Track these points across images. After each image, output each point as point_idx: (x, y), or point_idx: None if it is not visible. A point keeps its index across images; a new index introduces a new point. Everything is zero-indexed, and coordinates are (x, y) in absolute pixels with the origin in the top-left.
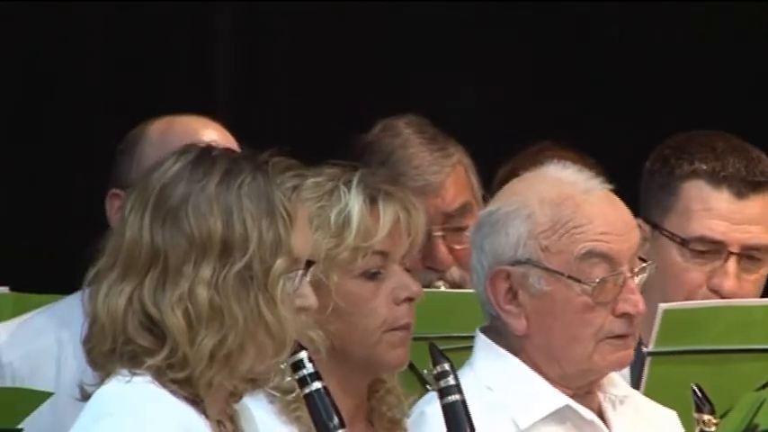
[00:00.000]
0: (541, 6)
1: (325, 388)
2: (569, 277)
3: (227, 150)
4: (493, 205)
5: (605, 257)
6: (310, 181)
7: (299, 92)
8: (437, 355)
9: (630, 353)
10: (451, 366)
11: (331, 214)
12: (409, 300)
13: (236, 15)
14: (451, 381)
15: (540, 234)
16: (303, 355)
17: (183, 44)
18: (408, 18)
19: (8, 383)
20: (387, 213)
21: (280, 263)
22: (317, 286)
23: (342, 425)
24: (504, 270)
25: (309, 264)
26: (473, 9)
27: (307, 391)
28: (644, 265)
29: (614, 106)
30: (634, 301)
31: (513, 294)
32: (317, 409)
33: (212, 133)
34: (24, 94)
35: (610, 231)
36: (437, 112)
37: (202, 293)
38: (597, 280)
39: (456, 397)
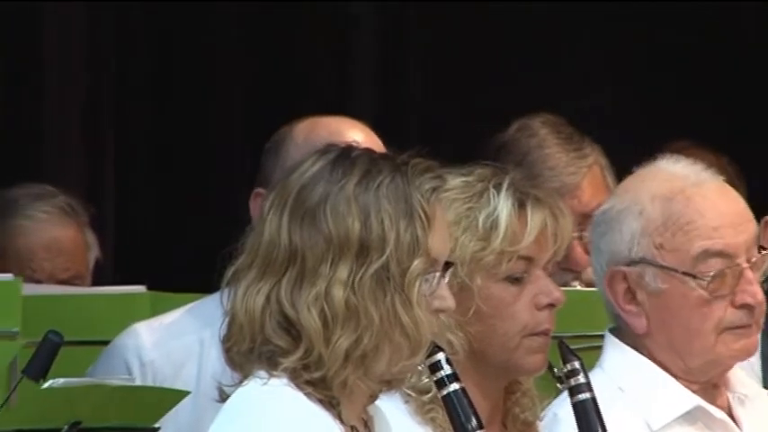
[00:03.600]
0: (677, 6)
1: (463, 389)
2: (684, 273)
3: (367, 151)
4: (607, 204)
5: (721, 254)
6: (460, 180)
7: (439, 92)
8: (567, 353)
9: (754, 341)
10: (581, 364)
11: (479, 217)
12: (551, 306)
13: (378, 16)
14: (582, 379)
15: (653, 231)
16: (441, 356)
17: (327, 44)
18: (544, 16)
19: (150, 382)
20: (534, 219)
21: (417, 264)
22: (461, 288)
23: (480, 426)
24: (620, 271)
25: (448, 265)
26: (613, 8)
27: (445, 392)
28: (765, 252)
29: (752, 106)
30: (752, 292)
31: (631, 294)
32: (456, 411)
33: (358, 134)
34: (162, 97)
35: (723, 225)
36: (572, 110)
37: (338, 293)
38: (712, 274)
39: (586, 395)
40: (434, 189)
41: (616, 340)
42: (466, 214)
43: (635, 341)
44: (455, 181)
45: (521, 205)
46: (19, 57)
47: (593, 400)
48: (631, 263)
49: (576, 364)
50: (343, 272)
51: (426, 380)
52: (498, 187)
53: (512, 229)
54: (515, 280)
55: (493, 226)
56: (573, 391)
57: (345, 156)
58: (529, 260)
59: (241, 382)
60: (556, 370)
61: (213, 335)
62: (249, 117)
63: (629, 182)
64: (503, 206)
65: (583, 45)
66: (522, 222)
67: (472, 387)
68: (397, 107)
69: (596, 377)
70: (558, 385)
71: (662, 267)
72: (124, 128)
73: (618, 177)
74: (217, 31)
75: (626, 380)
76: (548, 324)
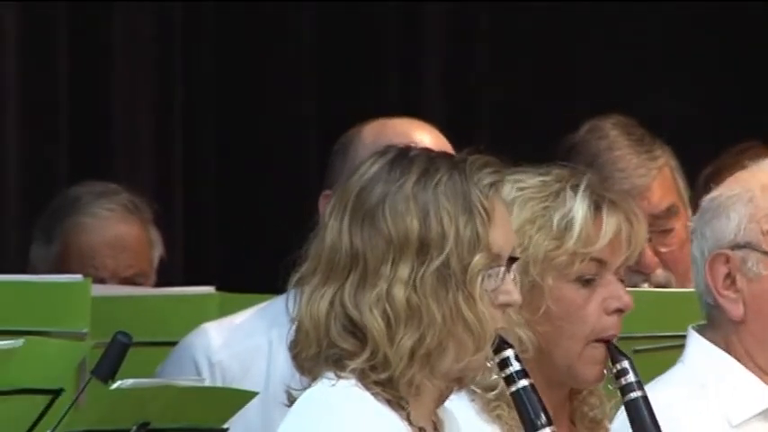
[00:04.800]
0: (745, 6)
1: (532, 385)
2: None
3: (425, 150)
4: (716, 191)
5: None
6: (537, 180)
7: (508, 92)
8: (615, 354)
9: None
10: (631, 363)
11: (554, 216)
12: (619, 311)
13: (447, 17)
14: (631, 377)
15: (761, 218)
16: (510, 353)
17: (395, 45)
18: (611, 19)
19: (218, 382)
20: (610, 222)
21: (478, 259)
22: (532, 287)
23: (549, 422)
24: (723, 254)
25: (512, 260)
26: (684, 8)
27: (513, 389)
28: None
29: None
30: None
31: (731, 280)
32: (525, 407)
33: (425, 135)
34: (231, 96)
35: None
36: (643, 113)
37: (400, 293)
38: None
39: (637, 393)
40: (493, 184)
41: (699, 337)
42: (541, 213)
43: (726, 331)
44: (532, 180)
45: (597, 208)
46: (88, 57)
47: (645, 398)
48: (736, 246)
49: (626, 364)
50: (403, 271)
51: (494, 377)
52: (575, 188)
53: (586, 230)
54: (586, 282)
55: (567, 226)
56: (623, 391)
57: (403, 156)
58: (601, 263)
59: (309, 385)
60: (605, 371)
61: (281, 336)
62: (322, 117)
63: (740, 174)
64: (578, 207)
65: (653, 47)
66: (597, 225)
67: (540, 383)
68: (467, 109)
69: (678, 373)
70: (609, 386)
71: (766, 253)
72: (193, 127)
73: (688, 179)
74: (289, 31)
75: (708, 376)
76: (614, 330)
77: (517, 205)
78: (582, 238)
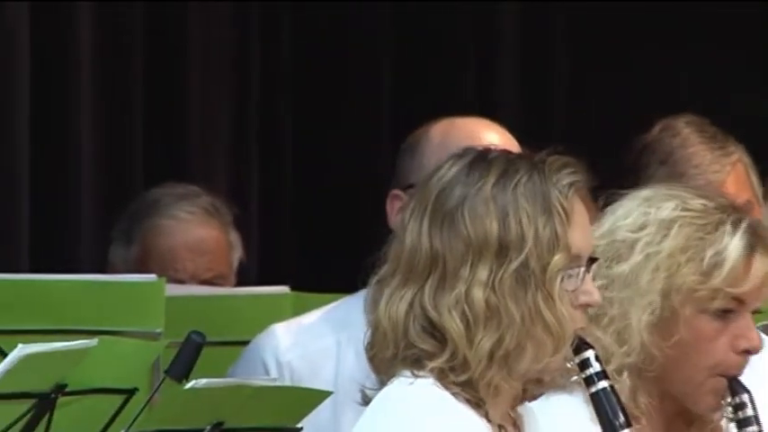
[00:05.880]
0: None
1: (611, 386)
2: None
3: (504, 152)
4: None
5: None
6: (699, 202)
7: (580, 93)
8: (736, 386)
9: None
10: (750, 398)
11: (708, 251)
12: (747, 352)
13: (521, 16)
14: (749, 412)
15: None
16: (590, 353)
17: (469, 44)
18: (692, 17)
19: (287, 382)
20: (759, 267)
21: (557, 259)
22: (671, 313)
23: (628, 424)
24: None
25: (592, 261)
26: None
27: (593, 390)
28: None
29: None
30: None
31: None
32: (603, 408)
33: (494, 135)
34: (308, 96)
35: None
36: (716, 112)
37: (479, 294)
38: None
39: (754, 428)
40: (572, 185)
41: None
42: (695, 244)
43: None
44: (694, 202)
45: (751, 250)
46: (165, 57)
47: None
48: None
49: (745, 398)
50: (482, 273)
51: (574, 378)
52: (736, 224)
53: (735, 271)
54: (721, 315)
55: (718, 264)
56: (740, 425)
57: (482, 157)
58: (740, 302)
59: (384, 384)
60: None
61: (350, 337)
62: (397, 117)
63: None
64: (734, 247)
65: (727, 46)
66: (747, 268)
67: (657, 395)
68: (540, 109)
69: None
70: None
71: None
72: (269, 128)
73: (761, 178)
74: (364, 30)
75: None
76: (737, 370)
77: (677, 226)
78: (729, 279)
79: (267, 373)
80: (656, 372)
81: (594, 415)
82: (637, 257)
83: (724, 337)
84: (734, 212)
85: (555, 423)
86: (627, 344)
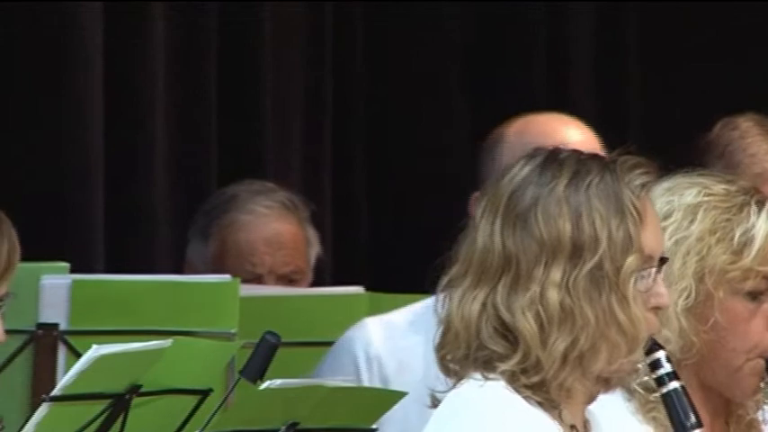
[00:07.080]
0: None
1: (683, 387)
2: None
3: (575, 152)
4: None
5: None
6: (722, 188)
7: (655, 91)
8: None
9: None
10: None
11: (736, 231)
12: None
13: (595, 15)
14: None
15: None
16: (661, 354)
17: (542, 43)
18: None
19: (375, 376)
20: None
21: (631, 261)
22: (706, 297)
23: (699, 424)
24: None
25: (663, 261)
26: None
27: (664, 390)
28: None
29: None
30: None
31: None
32: (675, 408)
33: (572, 132)
34: (381, 97)
35: None
36: None
37: (553, 296)
38: None
39: None
40: (644, 185)
41: None
42: (723, 225)
43: None
44: (717, 187)
45: None
46: (239, 57)
47: None
48: None
49: None
50: (556, 274)
51: (645, 378)
52: (760, 204)
53: (765, 249)
54: (755, 296)
55: (747, 242)
56: None
57: (553, 158)
58: None
59: (454, 386)
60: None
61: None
62: (473, 116)
63: None
64: (761, 224)
65: None
66: None
67: (696, 385)
68: (616, 106)
69: None
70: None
71: None
72: (343, 128)
73: None
74: (439, 29)
75: None
76: None
77: (702, 210)
78: (759, 256)
79: (356, 365)
80: (695, 359)
81: (636, 413)
82: (666, 245)
83: (758, 318)
84: (756, 194)
85: (609, 420)
86: (666, 330)
